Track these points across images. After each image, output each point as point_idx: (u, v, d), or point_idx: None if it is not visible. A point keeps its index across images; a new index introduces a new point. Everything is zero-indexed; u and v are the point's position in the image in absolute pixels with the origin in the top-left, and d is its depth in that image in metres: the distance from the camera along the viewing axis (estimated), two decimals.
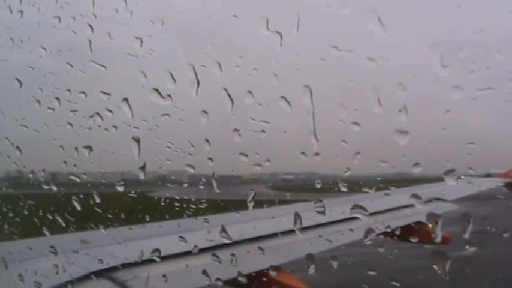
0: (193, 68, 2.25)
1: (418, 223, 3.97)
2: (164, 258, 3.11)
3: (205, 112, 2.34)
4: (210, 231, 3.11)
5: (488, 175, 7.62)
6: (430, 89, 1.98)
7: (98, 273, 2.97)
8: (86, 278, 2.92)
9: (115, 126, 2.78)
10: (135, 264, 3.10)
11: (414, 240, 3.09)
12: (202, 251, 3.19)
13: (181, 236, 3.20)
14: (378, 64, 1.91)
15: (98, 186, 3.20)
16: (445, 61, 1.70)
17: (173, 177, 3.48)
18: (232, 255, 2.94)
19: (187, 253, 3.25)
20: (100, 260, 3.12)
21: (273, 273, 3.03)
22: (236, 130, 2.32)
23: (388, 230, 2.99)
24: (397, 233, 2.92)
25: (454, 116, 1.83)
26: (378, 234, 3.92)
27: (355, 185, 2.31)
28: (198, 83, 2.25)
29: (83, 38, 2.69)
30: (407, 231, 3.66)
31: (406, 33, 2.10)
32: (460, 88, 1.74)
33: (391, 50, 1.94)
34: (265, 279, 3.03)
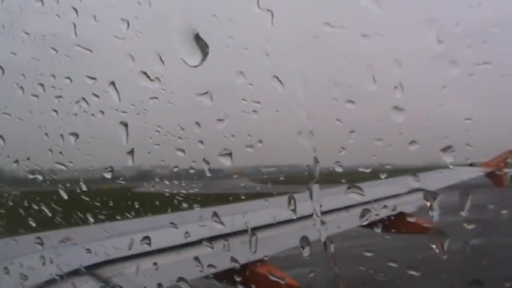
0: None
1: (400, 214, 3.97)
2: (150, 253, 3.07)
3: (196, 94, 2.28)
4: (200, 225, 3.07)
5: (471, 164, 7.67)
6: (426, 65, 1.95)
7: (81, 271, 2.91)
8: (69, 275, 2.86)
9: (102, 112, 2.71)
10: (118, 260, 3.05)
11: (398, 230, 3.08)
12: (191, 244, 3.16)
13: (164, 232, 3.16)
14: (372, 41, 1.88)
15: (85, 175, 3.14)
16: (441, 36, 1.66)
17: (158, 170, 3.45)
18: (224, 246, 2.90)
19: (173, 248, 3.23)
20: (83, 256, 3.07)
21: (259, 267, 3.00)
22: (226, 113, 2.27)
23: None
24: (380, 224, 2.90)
25: (450, 91, 1.81)
26: (360, 226, 3.93)
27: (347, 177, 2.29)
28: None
29: (68, 22, 2.61)
30: (390, 222, 3.67)
31: (401, 9, 2.06)
32: (457, 63, 1.71)
33: (385, 26, 1.91)
34: (252, 273, 3.00)
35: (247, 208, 3.68)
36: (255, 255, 2.63)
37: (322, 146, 2.10)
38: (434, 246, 1.93)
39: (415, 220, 4.47)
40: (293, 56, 2.08)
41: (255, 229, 2.91)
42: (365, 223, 2.21)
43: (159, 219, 3.83)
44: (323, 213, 2.19)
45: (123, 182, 3.29)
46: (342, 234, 3.83)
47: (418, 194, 5.40)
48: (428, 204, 1.96)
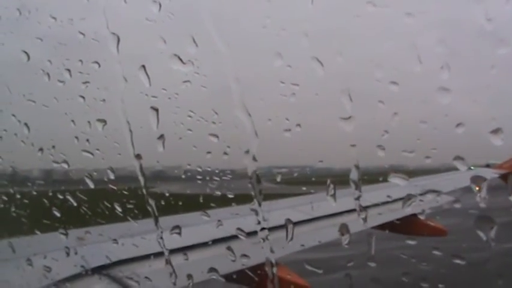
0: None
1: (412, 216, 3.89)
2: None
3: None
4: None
5: (487, 165, 7.63)
6: (474, 44, 1.89)
7: (95, 270, 2.87)
8: (82, 275, 2.82)
9: (130, 97, 2.64)
10: (133, 260, 3.00)
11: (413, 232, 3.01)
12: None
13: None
14: (417, 19, 1.81)
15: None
16: (490, 13, 1.60)
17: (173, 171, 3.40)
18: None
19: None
20: (97, 256, 3.03)
21: (272, 269, 2.94)
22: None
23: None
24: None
25: (499, 72, 1.74)
26: (372, 228, 3.87)
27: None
28: None
29: (96, 5, 2.55)
30: (401, 225, 3.61)
31: None
32: (507, 42, 1.64)
33: (431, 3, 1.85)
34: (264, 274, 2.94)
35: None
36: (291, 244, 2.56)
37: (364, 129, 2.04)
38: (481, 233, 1.86)
39: (430, 222, 4.41)
40: (334, 36, 2.02)
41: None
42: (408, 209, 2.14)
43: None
44: None
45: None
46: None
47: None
48: (477, 188, 1.90)
